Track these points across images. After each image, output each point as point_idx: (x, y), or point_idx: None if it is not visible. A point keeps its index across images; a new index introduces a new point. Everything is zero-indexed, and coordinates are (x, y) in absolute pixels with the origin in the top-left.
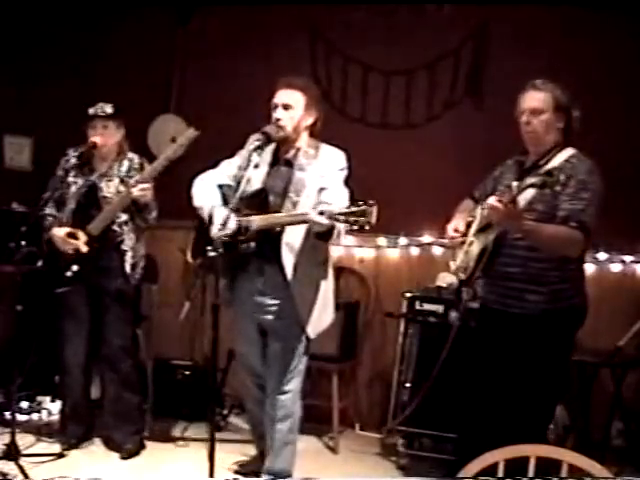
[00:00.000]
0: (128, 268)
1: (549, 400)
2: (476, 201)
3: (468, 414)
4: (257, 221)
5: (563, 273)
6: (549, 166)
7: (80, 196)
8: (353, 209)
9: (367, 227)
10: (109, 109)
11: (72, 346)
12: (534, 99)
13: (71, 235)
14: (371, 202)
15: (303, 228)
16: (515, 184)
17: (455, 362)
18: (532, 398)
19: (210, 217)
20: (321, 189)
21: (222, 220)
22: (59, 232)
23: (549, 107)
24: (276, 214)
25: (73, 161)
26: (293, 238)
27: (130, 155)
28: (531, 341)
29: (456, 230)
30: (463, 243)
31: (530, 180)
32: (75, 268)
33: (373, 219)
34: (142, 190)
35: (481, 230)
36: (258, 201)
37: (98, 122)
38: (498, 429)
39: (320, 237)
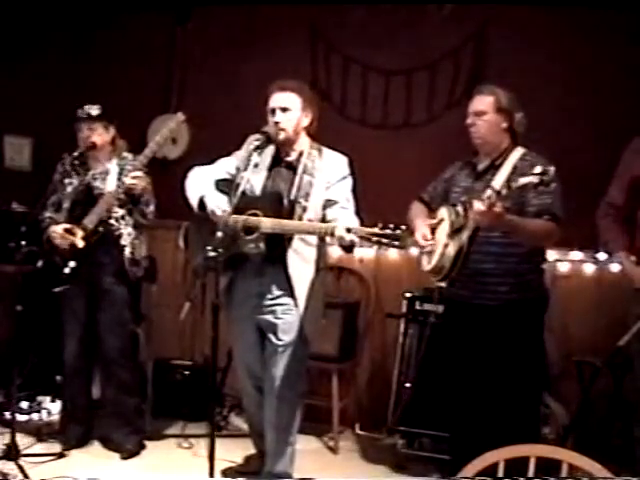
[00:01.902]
0: (127, 264)
1: (534, 386)
2: (426, 204)
3: (458, 411)
4: (268, 224)
5: (531, 265)
6: (505, 170)
7: (75, 195)
8: (387, 232)
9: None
10: (93, 111)
11: (71, 346)
12: (477, 102)
13: (68, 231)
14: (404, 227)
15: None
16: (497, 185)
17: (453, 361)
18: (518, 386)
19: (201, 203)
20: (329, 200)
21: (215, 205)
22: (56, 229)
23: (490, 108)
24: (297, 222)
25: (68, 167)
26: (299, 242)
27: (124, 154)
28: (508, 330)
29: (425, 238)
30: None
31: (523, 180)
32: (73, 264)
33: (408, 245)
34: (135, 178)
35: (454, 232)
36: (268, 203)
37: (84, 124)
38: (489, 423)
39: (342, 247)
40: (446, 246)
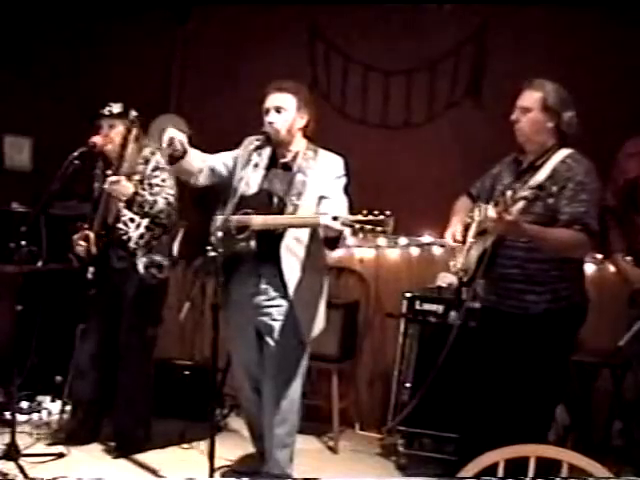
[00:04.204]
0: (140, 267)
1: (550, 400)
2: (473, 199)
3: (470, 414)
4: (258, 220)
5: (562, 273)
6: (544, 172)
7: (98, 197)
8: (370, 218)
9: (381, 236)
10: (115, 109)
11: (87, 346)
12: (525, 97)
13: (85, 238)
14: (388, 213)
15: (305, 232)
16: (509, 194)
17: (455, 362)
18: (533, 398)
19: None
20: (321, 197)
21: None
22: (75, 236)
23: (537, 106)
24: (284, 216)
25: (101, 166)
26: (293, 242)
27: (146, 154)
28: (533, 341)
29: (454, 239)
30: (463, 243)
31: (522, 193)
32: (92, 269)
33: (390, 230)
34: (112, 184)
35: (480, 233)
36: (259, 202)
37: (105, 121)
38: (500, 429)
39: (327, 243)
40: (470, 248)
